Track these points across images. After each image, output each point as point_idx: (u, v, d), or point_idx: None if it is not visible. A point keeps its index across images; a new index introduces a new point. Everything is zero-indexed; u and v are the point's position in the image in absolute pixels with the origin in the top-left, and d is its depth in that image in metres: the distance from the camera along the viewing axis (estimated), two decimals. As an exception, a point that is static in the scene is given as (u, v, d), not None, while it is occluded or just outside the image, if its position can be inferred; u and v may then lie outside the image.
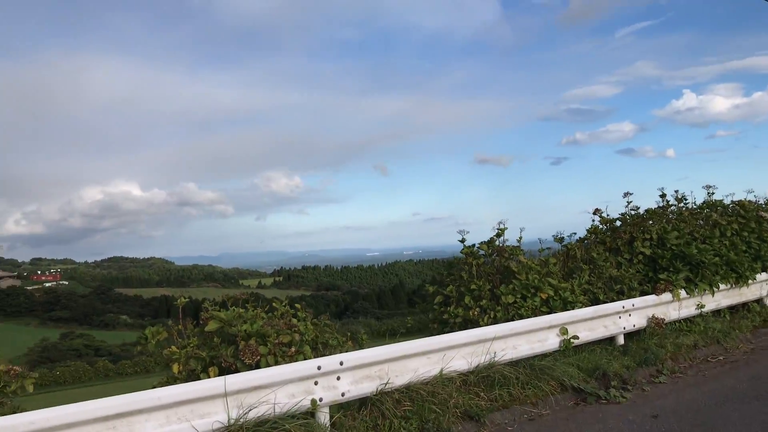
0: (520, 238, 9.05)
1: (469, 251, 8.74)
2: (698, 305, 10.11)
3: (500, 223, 8.88)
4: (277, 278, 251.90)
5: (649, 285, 9.93)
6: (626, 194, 10.93)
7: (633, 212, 10.82)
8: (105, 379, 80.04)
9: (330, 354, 6.73)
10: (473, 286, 8.41)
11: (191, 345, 6.47)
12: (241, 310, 6.63)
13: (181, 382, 6.17)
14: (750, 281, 10.91)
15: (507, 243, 9.00)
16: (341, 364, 6.21)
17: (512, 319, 8.11)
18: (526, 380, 7.38)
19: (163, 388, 5.33)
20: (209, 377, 5.93)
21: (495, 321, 8.12)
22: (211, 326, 6.33)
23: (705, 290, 10.06)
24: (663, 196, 11.64)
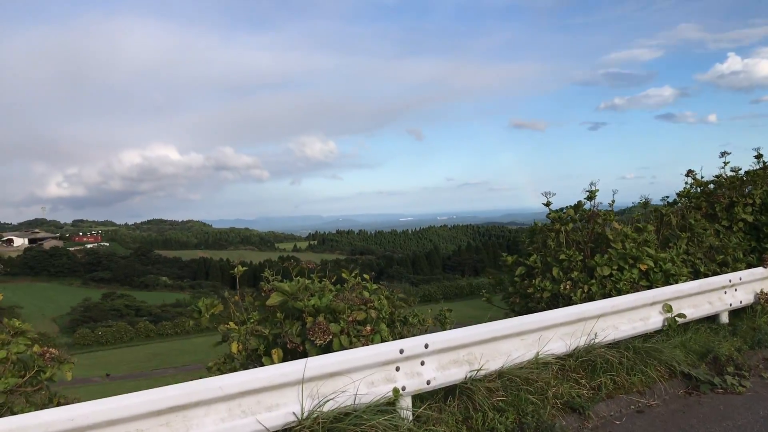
0: (613, 201, 7.99)
1: (557, 216, 7.70)
2: (806, 279, 8.95)
3: (591, 184, 7.80)
4: (312, 242, 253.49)
5: (753, 256, 8.80)
6: (723, 153, 9.73)
7: (732, 173, 9.62)
8: (146, 340, 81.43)
9: (409, 334, 5.82)
10: (562, 256, 7.39)
11: (251, 321, 5.62)
12: (307, 281, 5.73)
13: (240, 364, 5.34)
14: None
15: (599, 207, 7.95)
16: (426, 347, 5.28)
17: (609, 295, 7.09)
18: (630, 365, 6.38)
19: (225, 375, 4.45)
20: (272, 360, 5.07)
21: (590, 296, 7.11)
22: (274, 299, 5.43)
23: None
24: (759, 156, 10.38)
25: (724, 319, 7.98)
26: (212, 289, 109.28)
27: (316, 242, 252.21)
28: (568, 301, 7.10)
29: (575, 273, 7.33)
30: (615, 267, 7.32)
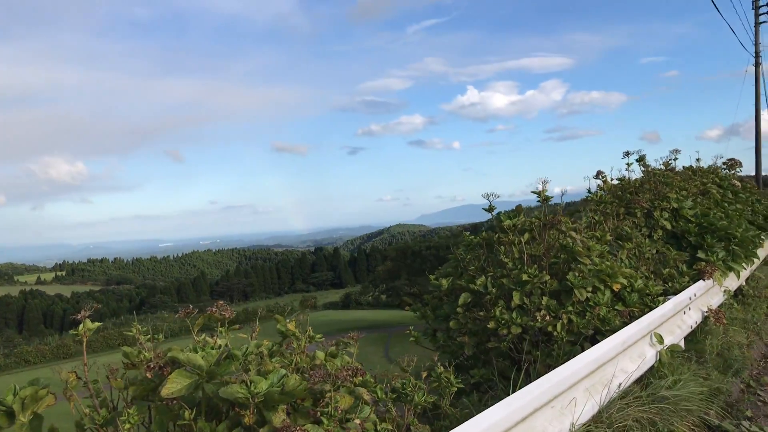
0: (563, 203, 6.29)
1: (512, 224, 5.77)
2: (726, 290, 8.05)
3: (543, 180, 6.01)
4: (59, 273, 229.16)
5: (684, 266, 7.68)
6: (627, 154, 8.62)
7: (641, 173, 8.54)
8: None
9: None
10: (525, 277, 5.45)
11: (127, 424, 2.86)
12: (234, 349, 3.11)
13: None
14: (755, 259, 9.13)
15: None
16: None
17: (589, 325, 5.32)
18: (665, 425, 4.60)
19: None
20: None
21: (571, 330, 5.26)
22: (175, 384, 2.76)
23: (738, 271, 8.03)
24: (641, 159, 9.50)
25: (682, 344, 6.64)
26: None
27: (64, 273, 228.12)
28: (548, 338, 5.19)
29: (545, 299, 5.44)
30: (589, 288, 5.57)
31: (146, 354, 3.19)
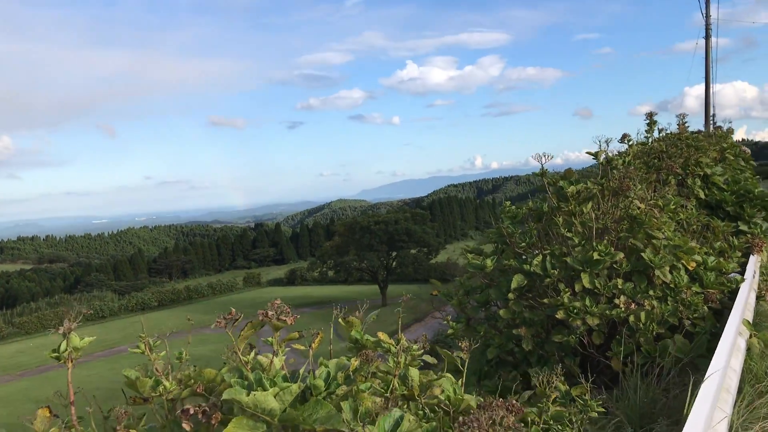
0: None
1: (576, 190, 4.74)
2: (763, 266, 7.29)
3: (605, 141, 5.00)
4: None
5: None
6: (650, 115, 7.71)
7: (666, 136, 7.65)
8: None
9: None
10: (596, 255, 4.45)
11: None
12: (313, 378, 2.00)
13: None
14: None
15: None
16: None
17: (678, 313, 4.38)
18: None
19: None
20: None
21: (656, 320, 4.31)
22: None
23: (778, 246, 7.26)
24: (651, 115, 8.56)
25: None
26: None
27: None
28: (631, 332, 4.22)
29: (620, 281, 4.46)
30: (667, 268, 4.62)
31: (167, 384, 2.04)
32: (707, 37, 36.71)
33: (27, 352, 48.35)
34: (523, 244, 4.80)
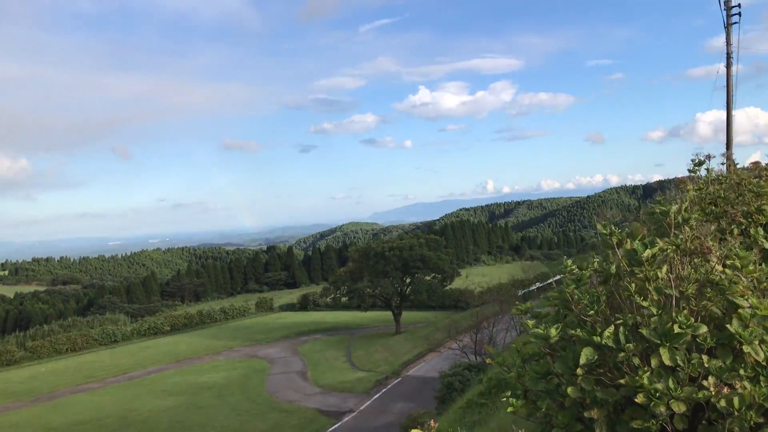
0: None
1: (651, 254, 4.26)
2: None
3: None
4: (2, 272, 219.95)
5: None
6: (708, 158, 7.25)
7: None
8: None
9: None
10: (676, 328, 3.95)
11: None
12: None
13: None
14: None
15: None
16: None
17: (773, 396, 3.87)
18: None
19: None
20: None
21: (749, 405, 3.80)
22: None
23: None
24: (700, 163, 8.10)
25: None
26: None
27: (7, 272, 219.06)
28: (720, 417, 3.73)
29: (705, 358, 3.95)
30: (756, 342, 4.11)
31: None
32: (728, 66, 36.23)
33: (39, 377, 48.00)
34: (592, 312, 4.31)
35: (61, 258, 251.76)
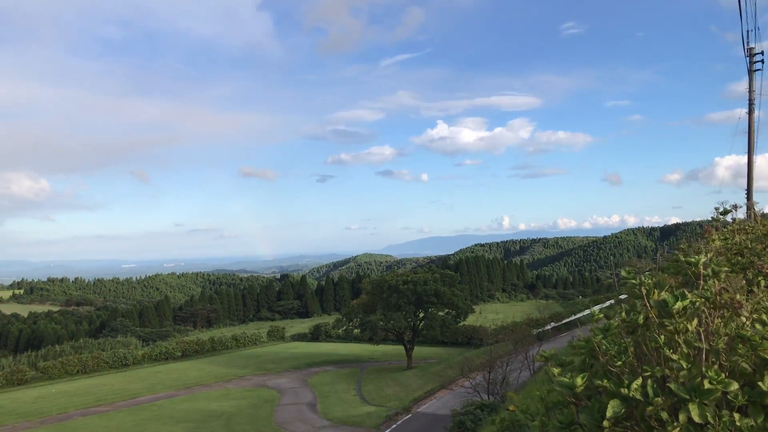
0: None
1: (682, 306, 4.21)
2: None
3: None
4: (17, 291, 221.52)
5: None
6: (735, 207, 7.20)
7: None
8: None
9: None
10: (706, 383, 3.89)
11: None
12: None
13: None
14: None
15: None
16: None
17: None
18: None
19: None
20: None
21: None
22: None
23: None
24: (725, 212, 8.06)
25: None
26: None
27: (22, 291, 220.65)
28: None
29: (737, 416, 3.89)
30: (787, 400, 4.04)
31: None
32: (750, 112, 36.18)
33: (48, 398, 47.93)
34: (620, 362, 4.27)
35: (76, 279, 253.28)
